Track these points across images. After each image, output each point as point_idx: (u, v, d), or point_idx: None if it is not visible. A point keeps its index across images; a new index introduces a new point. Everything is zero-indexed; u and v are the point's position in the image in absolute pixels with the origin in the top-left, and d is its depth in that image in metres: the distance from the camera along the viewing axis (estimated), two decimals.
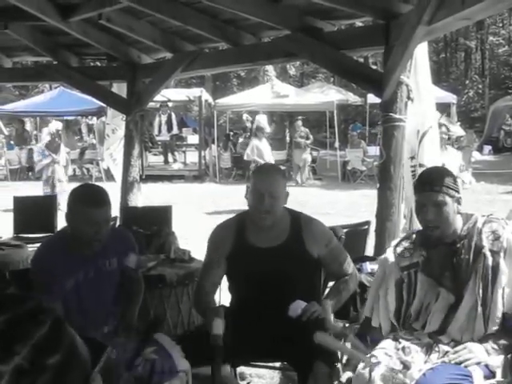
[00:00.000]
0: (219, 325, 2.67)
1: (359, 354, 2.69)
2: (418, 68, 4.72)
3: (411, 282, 2.84)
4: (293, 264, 3.11)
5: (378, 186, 4.65)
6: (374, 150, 14.82)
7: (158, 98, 15.58)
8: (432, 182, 2.75)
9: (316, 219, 3.33)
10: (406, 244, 2.94)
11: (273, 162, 12.41)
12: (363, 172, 16.69)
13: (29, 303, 1.09)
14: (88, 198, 2.90)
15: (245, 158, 13.84)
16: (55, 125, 12.63)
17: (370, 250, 4.77)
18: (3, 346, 0.99)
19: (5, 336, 1.00)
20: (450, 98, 19.54)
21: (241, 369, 3.81)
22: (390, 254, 2.97)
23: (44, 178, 11.84)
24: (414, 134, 4.83)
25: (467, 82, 32.58)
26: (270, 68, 20.06)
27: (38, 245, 3.29)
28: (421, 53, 4.74)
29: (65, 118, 20.55)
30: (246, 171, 15.18)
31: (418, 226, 3.04)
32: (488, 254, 2.69)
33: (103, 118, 15.30)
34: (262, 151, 12.14)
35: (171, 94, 18.68)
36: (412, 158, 4.83)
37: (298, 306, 3.00)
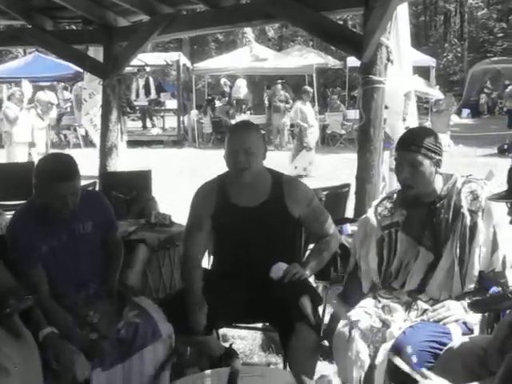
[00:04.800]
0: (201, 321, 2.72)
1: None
2: (399, 30, 4.71)
3: (392, 241, 2.88)
4: (274, 223, 3.11)
5: (357, 148, 4.66)
6: (354, 114, 14.81)
7: (136, 62, 15.33)
8: (410, 142, 2.77)
9: (297, 179, 3.36)
10: (386, 204, 2.97)
11: (316, 126, 12.27)
12: (343, 136, 16.71)
13: None
14: (55, 171, 2.81)
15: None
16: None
17: (350, 213, 4.80)
18: None
19: None
20: (429, 61, 19.47)
21: (223, 331, 3.86)
22: (371, 214, 3.00)
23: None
24: (400, 96, 4.85)
25: (446, 45, 32.56)
26: (248, 30, 19.81)
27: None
28: (402, 14, 4.72)
29: (40, 83, 20.21)
30: (225, 136, 15.04)
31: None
32: (466, 213, 2.73)
33: (80, 84, 15.07)
34: (306, 114, 11.76)
35: (148, 58, 18.40)
36: (404, 119, 4.86)
37: (279, 268, 3.02)
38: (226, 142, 3.17)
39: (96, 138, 8.28)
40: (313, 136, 11.92)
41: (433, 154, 2.74)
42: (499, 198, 2.31)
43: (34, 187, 2.93)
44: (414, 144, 2.74)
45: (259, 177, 3.14)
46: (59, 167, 2.85)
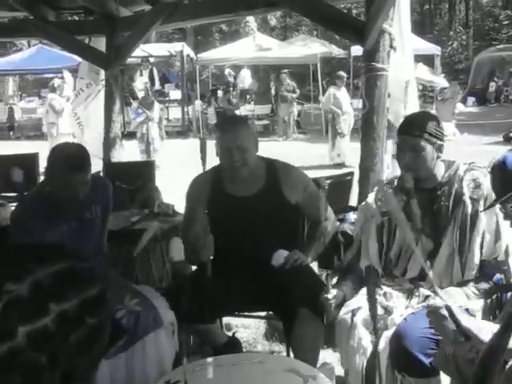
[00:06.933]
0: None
1: None
2: (401, 16, 4.66)
3: (391, 227, 2.86)
4: (271, 211, 3.10)
5: (360, 136, 4.63)
6: (357, 103, 14.74)
7: (139, 53, 15.30)
8: (411, 127, 2.73)
9: (291, 165, 3.29)
10: (387, 190, 2.95)
11: (351, 112, 11.83)
12: None
13: (84, 262, 1.11)
14: (68, 161, 2.82)
15: (320, 106, 13.03)
16: (143, 79, 12.32)
17: (353, 201, 4.78)
18: (57, 290, 1.02)
19: (62, 282, 1.03)
20: (434, 49, 19.38)
21: (227, 319, 3.86)
22: (371, 200, 2.98)
23: (138, 135, 11.81)
24: (402, 83, 4.82)
25: (451, 33, 32.28)
26: (250, 19, 19.72)
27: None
28: (403, 0, 4.68)
29: (45, 75, 20.20)
30: None
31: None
32: (468, 201, 2.70)
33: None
34: (340, 100, 11.36)
35: (152, 49, 18.38)
36: (404, 107, 4.85)
37: (280, 255, 3.01)
38: (216, 140, 3.13)
39: (75, 128, 8.16)
40: (346, 122, 11.58)
41: (435, 139, 2.71)
42: (491, 205, 2.31)
43: (46, 175, 2.94)
44: (416, 129, 2.70)
45: (254, 166, 3.12)
46: (72, 157, 2.85)
